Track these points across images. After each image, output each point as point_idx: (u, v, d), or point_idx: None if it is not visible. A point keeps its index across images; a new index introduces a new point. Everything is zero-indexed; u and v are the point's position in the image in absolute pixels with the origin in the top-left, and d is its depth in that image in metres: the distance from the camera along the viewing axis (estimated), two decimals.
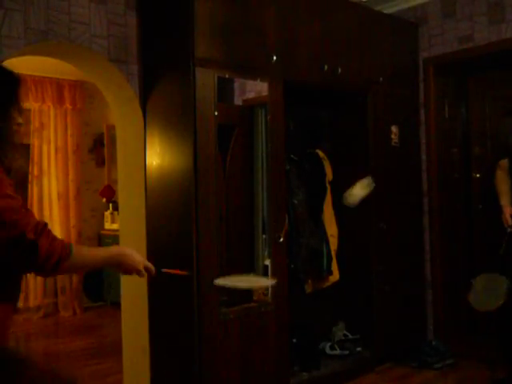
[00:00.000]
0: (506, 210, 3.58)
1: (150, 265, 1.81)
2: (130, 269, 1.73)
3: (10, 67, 1.74)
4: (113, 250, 1.75)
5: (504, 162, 3.69)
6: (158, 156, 3.23)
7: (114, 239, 5.91)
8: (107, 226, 6.60)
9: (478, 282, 3.48)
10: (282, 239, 3.35)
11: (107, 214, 6.61)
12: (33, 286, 6.04)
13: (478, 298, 3.40)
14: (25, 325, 5.72)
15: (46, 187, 6.17)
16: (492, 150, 4.35)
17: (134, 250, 1.77)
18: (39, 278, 6.03)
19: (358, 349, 3.95)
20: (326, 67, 3.66)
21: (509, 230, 3.52)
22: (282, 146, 3.41)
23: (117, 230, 4.22)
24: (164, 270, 1.96)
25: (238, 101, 3.86)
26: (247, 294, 3.41)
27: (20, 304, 6.02)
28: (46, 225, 1.52)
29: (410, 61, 4.36)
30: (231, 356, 3.10)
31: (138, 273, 1.76)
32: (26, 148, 6.02)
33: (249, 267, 3.62)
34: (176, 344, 3.16)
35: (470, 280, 3.56)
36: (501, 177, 3.70)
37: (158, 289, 3.30)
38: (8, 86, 1.67)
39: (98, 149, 6.77)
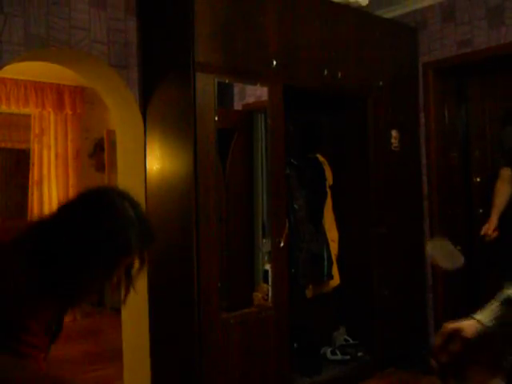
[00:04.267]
0: (492, 223, 3.49)
1: None
2: None
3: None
4: None
5: (506, 171, 3.54)
6: (158, 161, 3.23)
7: None
8: None
9: (442, 241, 3.47)
10: (282, 244, 3.35)
11: None
12: None
13: (435, 248, 3.40)
14: None
15: (46, 192, 6.18)
16: (492, 154, 4.35)
17: None
18: None
19: (360, 354, 3.94)
20: (325, 72, 3.67)
21: (487, 239, 3.51)
22: (282, 151, 3.41)
23: None
24: None
25: (237, 106, 3.87)
26: (247, 298, 3.40)
27: None
28: None
29: (409, 65, 4.37)
30: (232, 361, 3.09)
31: None
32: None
33: (249, 271, 3.61)
34: (177, 350, 3.15)
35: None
36: (500, 188, 3.55)
37: (158, 294, 3.30)
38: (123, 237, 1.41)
39: (98, 154, 6.77)
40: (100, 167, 6.80)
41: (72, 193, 6.28)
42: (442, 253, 3.36)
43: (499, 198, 3.56)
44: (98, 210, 1.42)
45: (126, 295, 1.50)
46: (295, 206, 3.73)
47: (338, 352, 3.91)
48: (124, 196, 1.51)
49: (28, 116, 6.17)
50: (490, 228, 3.51)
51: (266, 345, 3.25)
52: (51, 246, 1.38)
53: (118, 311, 3.52)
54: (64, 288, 1.38)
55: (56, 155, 6.22)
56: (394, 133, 4.17)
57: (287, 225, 3.48)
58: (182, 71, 3.06)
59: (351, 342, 3.99)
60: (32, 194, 6.10)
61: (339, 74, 3.74)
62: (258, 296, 3.38)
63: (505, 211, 3.55)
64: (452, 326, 1.35)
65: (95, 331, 5.64)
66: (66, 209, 1.46)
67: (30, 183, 6.10)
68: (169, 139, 3.18)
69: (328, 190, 4.01)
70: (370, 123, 4.00)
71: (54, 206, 6.16)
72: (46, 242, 1.38)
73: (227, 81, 3.23)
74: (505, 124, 3.71)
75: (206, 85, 3.03)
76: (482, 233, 3.53)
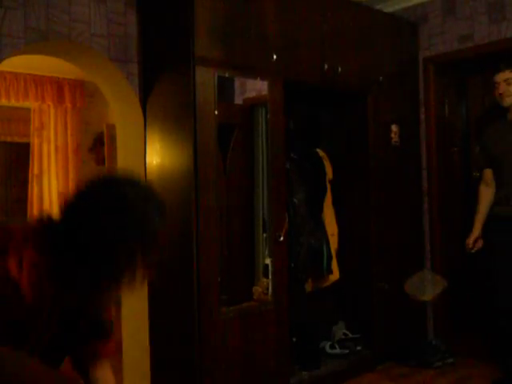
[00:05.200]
0: (473, 235, 3.57)
1: None
2: None
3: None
4: None
5: (488, 173, 3.58)
6: (158, 155, 3.23)
7: None
8: None
9: (420, 273, 3.68)
10: (282, 238, 3.35)
11: None
12: None
13: (413, 284, 3.49)
14: None
15: (46, 186, 6.17)
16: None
17: None
18: None
19: (358, 348, 3.95)
20: (326, 66, 3.66)
21: (471, 252, 3.61)
22: (282, 145, 3.41)
23: None
24: None
25: (238, 100, 3.85)
26: (247, 292, 3.41)
27: None
28: None
29: (410, 60, 4.36)
30: (231, 355, 3.10)
31: None
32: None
33: (249, 265, 3.62)
34: (177, 343, 3.16)
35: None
36: (483, 192, 3.58)
37: (158, 288, 3.30)
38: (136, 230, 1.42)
39: (98, 148, 6.75)
40: (100, 161, 6.78)
41: (72, 187, 6.27)
42: (421, 287, 3.48)
43: (482, 204, 3.58)
44: (123, 201, 1.41)
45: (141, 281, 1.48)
46: (295, 200, 3.73)
47: (337, 346, 3.93)
48: (138, 185, 1.48)
49: (28, 110, 6.15)
50: (470, 242, 3.57)
51: (265, 339, 3.26)
52: (77, 232, 1.38)
53: (118, 306, 3.52)
54: (85, 271, 1.38)
55: (56, 149, 6.21)
56: (394, 127, 4.17)
57: (287, 219, 3.48)
58: (182, 65, 3.05)
59: (350, 336, 4.00)
60: (32, 188, 6.09)
61: (339, 69, 3.74)
62: (257, 290, 3.39)
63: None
64: None
65: None
66: (90, 198, 1.42)
67: (30, 177, 6.10)
68: (169, 133, 3.17)
69: (328, 184, 4.01)
70: (369, 118, 4.00)
71: (54, 199, 6.16)
72: (70, 228, 1.39)
73: (227, 75, 3.22)
74: (485, 123, 3.74)
75: (206, 79, 3.03)
76: (467, 247, 3.59)
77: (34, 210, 6.08)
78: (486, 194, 3.57)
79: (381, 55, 4.08)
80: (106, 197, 1.40)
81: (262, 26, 3.31)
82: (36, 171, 6.11)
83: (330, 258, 3.88)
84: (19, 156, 6.51)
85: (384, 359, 4.01)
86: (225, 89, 3.55)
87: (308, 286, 3.86)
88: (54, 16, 2.98)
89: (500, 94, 3.45)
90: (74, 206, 1.43)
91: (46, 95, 6.08)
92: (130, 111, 3.40)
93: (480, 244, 3.57)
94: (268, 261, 3.36)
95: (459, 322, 4.40)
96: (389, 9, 4.44)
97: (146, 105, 3.33)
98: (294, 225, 3.67)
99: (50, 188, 6.19)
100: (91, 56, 3.22)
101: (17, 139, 6.45)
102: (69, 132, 6.29)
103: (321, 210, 3.95)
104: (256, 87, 3.56)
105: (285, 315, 3.37)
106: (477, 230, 3.58)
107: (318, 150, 4.04)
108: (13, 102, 5.94)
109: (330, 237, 3.93)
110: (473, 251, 3.59)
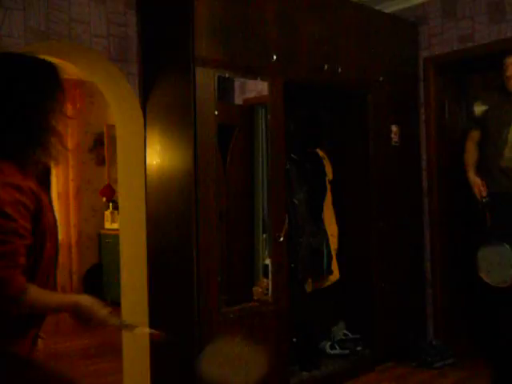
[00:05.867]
0: (477, 181, 3.57)
1: (112, 322, 1.71)
2: (86, 320, 1.64)
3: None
4: (70, 298, 1.67)
5: (475, 133, 3.67)
6: (158, 155, 3.23)
7: (114, 238, 5.91)
8: (107, 225, 6.61)
9: (483, 258, 3.36)
10: (282, 238, 3.35)
11: (107, 213, 6.61)
12: None
13: (490, 273, 3.27)
14: None
15: None
16: None
17: (96, 303, 1.67)
18: None
19: (359, 348, 3.95)
20: (326, 67, 3.66)
21: (484, 200, 3.52)
22: (282, 146, 3.41)
23: (117, 230, 4.23)
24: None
25: (238, 100, 3.86)
26: (248, 293, 3.41)
27: None
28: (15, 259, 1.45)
29: (410, 60, 4.36)
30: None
31: (97, 324, 1.67)
32: None
33: (249, 266, 3.62)
34: (176, 343, 3.15)
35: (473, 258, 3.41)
36: (470, 148, 3.67)
37: (158, 288, 3.30)
38: (48, 74, 1.61)
39: (98, 148, 6.77)
40: (100, 161, 6.80)
41: (72, 187, 6.28)
42: (492, 265, 3.24)
43: (471, 156, 3.66)
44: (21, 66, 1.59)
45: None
46: (295, 200, 3.73)
47: (337, 346, 3.93)
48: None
49: None
50: (479, 189, 3.54)
51: (265, 339, 3.26)
52: None
53: (117, 305, 3.53)
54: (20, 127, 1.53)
55: None
56: (394, 128, 4.17)
57: (287, 220, 3.48)
58: (182, 65, 3.05)
59: (350, 336, 4.00)
60: None
61: (339, 69, 3.74)
62: (257, 290, 3.39)
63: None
64: None
65: None
66: None
67: None
68: (169, 134, 3.18)
69: (328, 184, 4.01)
70: (370, 118, 4.00)
71: (54, 199, 6.17)
72: None
73: (227, 75, 3.22)
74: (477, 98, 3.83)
75: (206, 79, 3.03)
76: (479, 196, 3.55)
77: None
78: (473, 149, 3.65)
79: (381, 55, 4.08)
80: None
81: (261, 27, 3.31)
82: None
83: (330, 258, 3.88)
84: None
85: (384, 359, 4.01)
86: (225, 89, 3.55)
87: (308, 287, 3.86)
88: (53, 16, 2.98)
89: (507, 77, 3.46)
90: None
91: None
92: (130, 111, 3.40)
93: (485, 189, 3.52)
94: (268, 261, 3.37)
95: (459, 322, 4.40)
96: (389, 9, 4.44)
97: (146, 105, 3.33)
98: (294, 225, 3.67)
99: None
100: (91, 56, 3.22)
101: None
102: (69, 132, 6.29)
103: (321, 210, 3.95)
104: (256, 88, 3.56)
105: (285, 315, 3.37)
106: (475, 177, 3.58)
107: (318, 151, 4.04)
108: None
109: (330, 237, 3.93)
110: (486, 198, 3.50)
